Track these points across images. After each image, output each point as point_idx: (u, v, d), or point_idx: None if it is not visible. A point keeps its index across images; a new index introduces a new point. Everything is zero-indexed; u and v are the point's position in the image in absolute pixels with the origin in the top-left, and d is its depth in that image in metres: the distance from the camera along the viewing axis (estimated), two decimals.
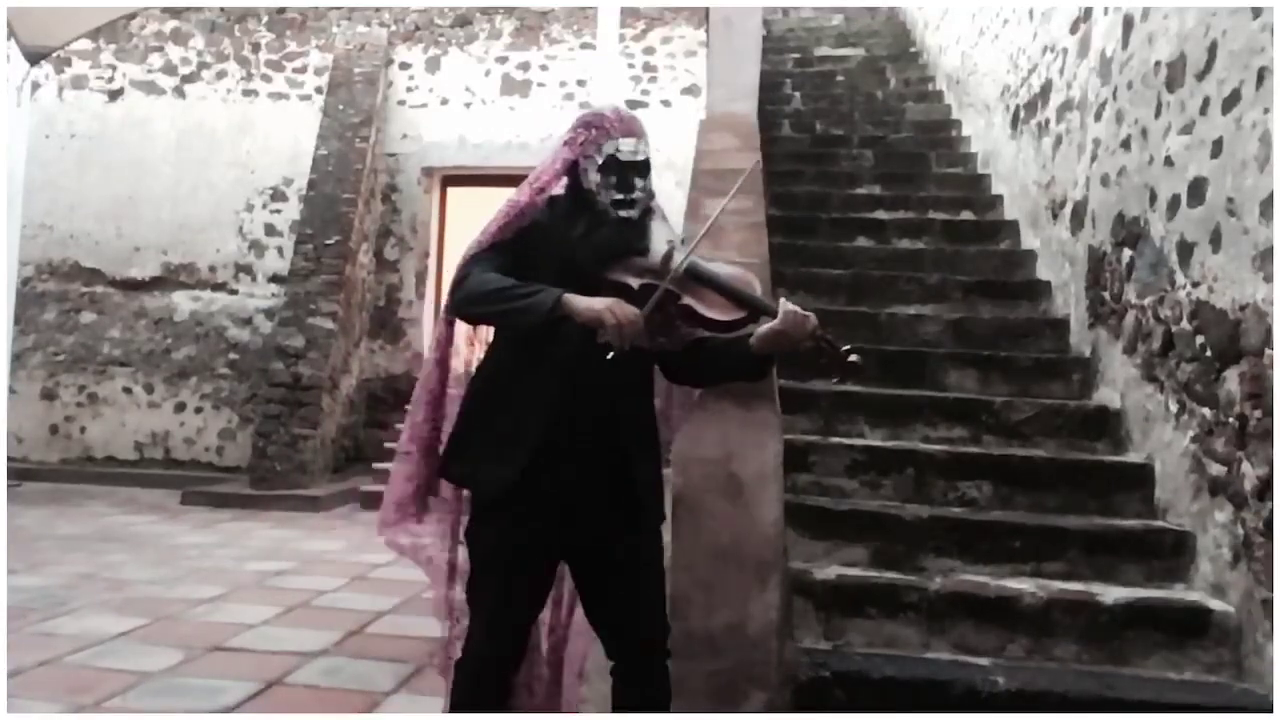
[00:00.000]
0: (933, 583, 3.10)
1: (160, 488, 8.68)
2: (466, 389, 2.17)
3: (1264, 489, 2.80)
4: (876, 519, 3.36)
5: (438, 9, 10.22)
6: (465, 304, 2.01)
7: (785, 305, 1.96)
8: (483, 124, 10.03)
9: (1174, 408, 3.40)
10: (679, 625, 2.36)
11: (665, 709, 2.07)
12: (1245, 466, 2.91)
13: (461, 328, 2.23)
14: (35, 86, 8.77)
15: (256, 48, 10.27)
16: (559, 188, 2.11)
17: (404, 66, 10.20)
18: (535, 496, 1.98)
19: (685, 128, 8.05)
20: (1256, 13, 2.94)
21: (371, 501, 8.09)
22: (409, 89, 10.18)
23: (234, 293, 9.97)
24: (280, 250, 9.89)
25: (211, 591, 4.74)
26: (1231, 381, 3.00)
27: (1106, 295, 4.04)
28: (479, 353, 2.26)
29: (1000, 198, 5.61)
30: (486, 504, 2.04)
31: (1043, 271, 4.87)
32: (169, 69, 10.27)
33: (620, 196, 2.04)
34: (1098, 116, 4.23)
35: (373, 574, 5.37)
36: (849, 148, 6.62)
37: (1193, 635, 2.93)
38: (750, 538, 2.59)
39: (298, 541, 6.34)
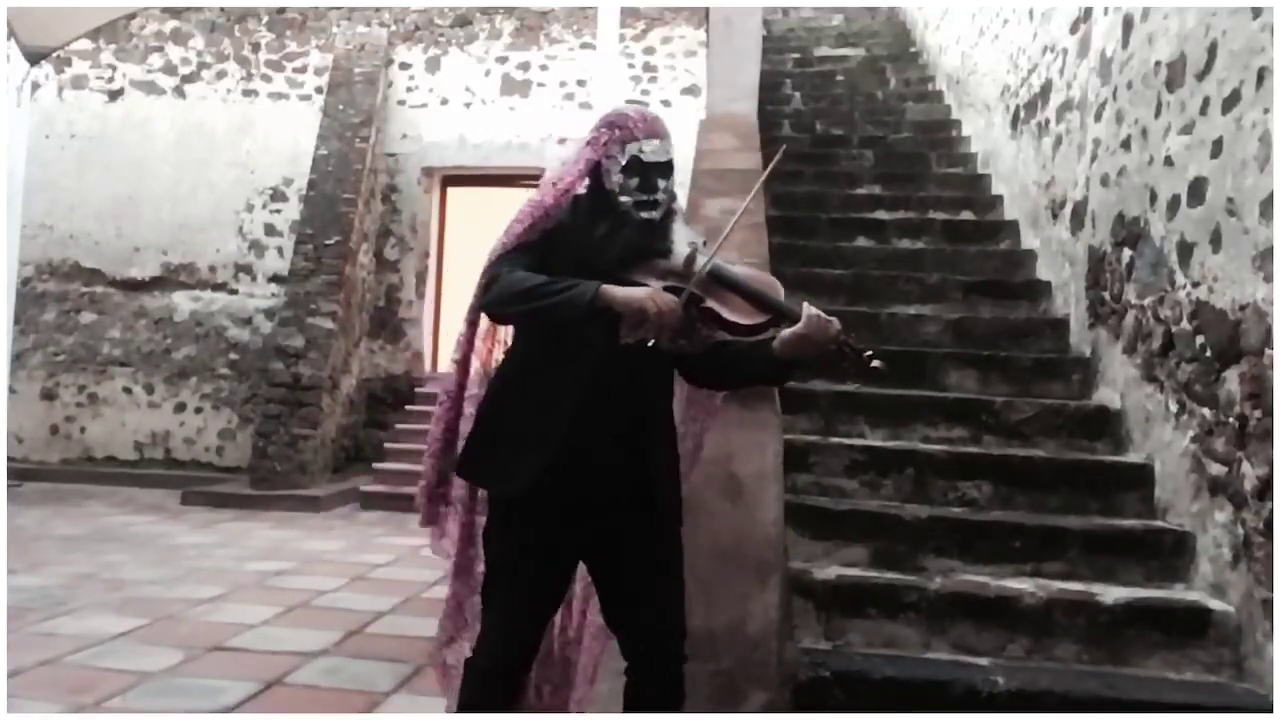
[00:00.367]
0: (933, 583, 3.10)
1: (160, 488, 8.69)
2: (486, 390, 2.16)
3: (1264, 489, 2.80)
4: (876, 519, 3.36)
5: (438, 9, 10.23)
6: (500, 303, 1.98)
7: (809, 310, 1.96)
8: (483, 124, 10.04)
9: (1174, 408, 3.40)
10: None
11: (677, 712, 2.07)
12: (1245, 466, 2.91)
13: (479, 329, 2.23)
14: (35, 86, 8.77)
15: (256, 48, 10.27)
16: (580, 188, 2.10)
17: (404, 66, 10.20)
18: (556, 497, 1.98)
19: (685, 128, 8.05)
20: (1256, 13, 2.94)
21: (371, 501, 8.10)
22: (409, 89, 10.19)
23: (234, 293, 9.97)
24: (280, 250, 9.89)
25: (211, 591, 4.74)
26: (1231, 381, 3.00)
27: (1106, 295, 4.04)
28: (497, 354, 2.25)
29: (1000, 198, 5.61)
30: (506, 504, 2.04)
31: (1043, 271, 4.87)
32: (169, 69, 10.27)
33: (643, 197, 2.03)
34: (1098, 116, 4.23)
35: (373, 574, 5.37)
36: (849, 148, 6.62)
37: (1193, 635, 2.93)
38: (750, 538, 2.59)
39: (298, 541, 6.34)
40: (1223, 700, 2.72)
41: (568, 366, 1.99)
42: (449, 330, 10.21)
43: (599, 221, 2.04)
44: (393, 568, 5.59)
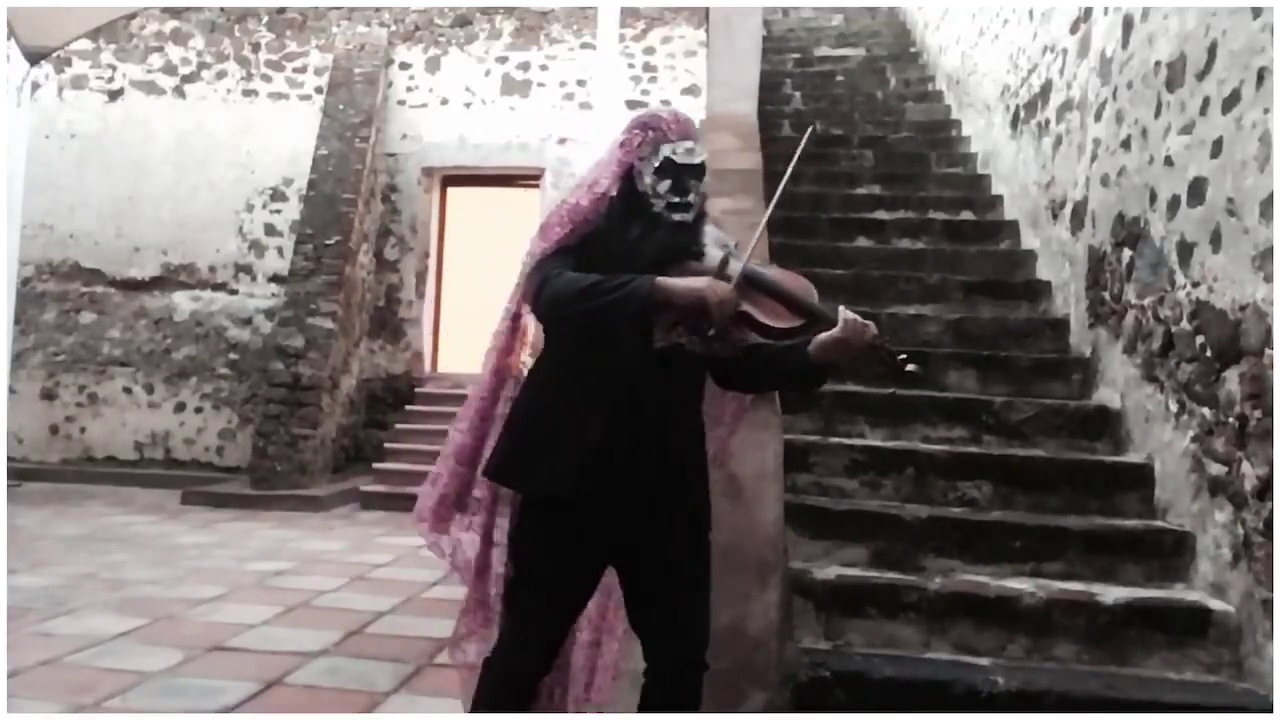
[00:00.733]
0: (933, 583, 3.10)
1: (160, 488, 8.69)
2: (518, 393, 2.16)
3: (1264, 489, 2.80)
4: (876, 519, 3.36)
5: (438, 9, 10.23)
6: (558, 304, 1.95)
7: (845, 314, 1.96)
8: (483, 124, 10.04)
9: (1174, 408, 3.40)
10: None
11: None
12: (1245, 466, 2.91)
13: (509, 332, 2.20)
14: (35, 86, 8.77)
15: (256, 48, 10.27)
16: (613, 191, 2.09)
17: (404, 66, 10.20)
18: (587, 500, 1.97)
19: None
20: (1256, 13, 2.94)
21: (371, 501, 8.10)
22: (409, 89, 10.19)
23: (234, 293, 9.97)
24: (280, 250, 9.89)
25: (211, 591, 4.74)
26: (1231, 381, 3.00)
27: (1106, 295, 4.04)
28: (524, 358, 2.24)
29: (1000, 198, 5.61)
30: (537, 506, 2.03)
31: (1043, 271, 4.87)
32: (169, 69, 10.27)
33: (675, 199, 2.02)
34: (1098, 116, 4.23)
35: (373, 574, 5.37)
36: (849, 148, 6.62)
37: (1193, 635, 2.93)
38: (750, 538, 2.59)
39: (298, 541, 6.34)
40: (1223, 700, 2.72)
41: (601, 369, 1.99)
42: (449, 330, 10.23)
43: (632, 224, 2.04)
44: (393, 568, 5.59)
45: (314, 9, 10.24)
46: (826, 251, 5.14)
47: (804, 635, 3.03)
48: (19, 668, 3.38)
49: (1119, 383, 3.87)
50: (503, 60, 10.14)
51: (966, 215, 5.60)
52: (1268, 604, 2.75)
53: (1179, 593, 3.12)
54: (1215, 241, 3.13)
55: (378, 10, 10.23)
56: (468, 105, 10.11)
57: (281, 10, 10.26)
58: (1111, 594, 3.04)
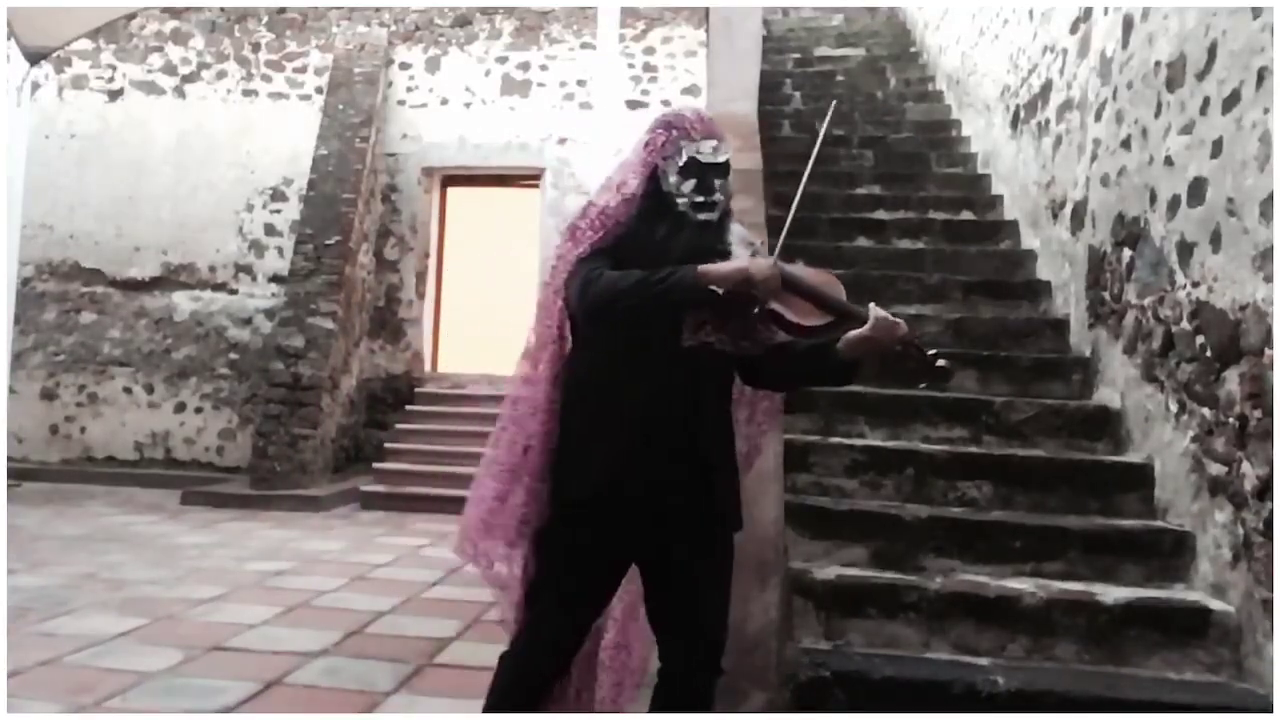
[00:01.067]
0: (933, 583, 3.10)
1: (160, 488, 8.68)
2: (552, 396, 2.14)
3: (1264, 489, 2.80)
4: (876, 519, 3.36)
5: (438, 9, 10.22)
6: (605, 304, 1.94)
7: (876, 311, 1.97)
8: (483, 124, 10.04)
9: (1174, 408, 3.40)
10: None
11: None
12: (1245, 466, 2.91)
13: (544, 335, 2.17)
14: (35, 86, 8.77)
15: (256, 48, 10.27)
16: (639, 191, 2.09)
17: (404, 66, 10.20)
18: (618, 501, 1.98)
19: None
20: (1256, 13, 2.94)
21: (371, 501, 8.10)
22: (409, 89, 10.18)
23: (234, 293, 9.97)
24: (280, 250, 9.89)
25: (211, 591, 4.74)
26: (1231, 381, 3.00)
27: (1106, 295, 4.04)
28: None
29: (1000, 198, 5.61)
30: (568, 507, 2.03)
31: (1043, 271, 4.87)
32: (169, 69, 10.27)
33: (700, 199, 2.03)
34: (1098, 116, 4.23)
35: (373, 574, 5.37)
36: (849, 148, 6.62)
37: (1193, 635, 2.93)
38: (750, 538, 2.58)
39: (298, 541, 6.34)
40: (1223, 700, 2.72)
41: (631, 371, 1.99)
42: (449, 330, 10.22)
43: (657, 224, 2.04)
44: (393, 568, 5.59)
45: (314, 9, 10.23)
46: (826, 251, 5.13)
47: (804, 635, 3.03)
48: (19, 668, 3.38)
49: (1119, 383, 3.87)
50: (503, 60, 10.14)
51: (966, 215, 5.60)
52: (1268, 604, 2.75)
53: (1179, 593, 3.12)
54: (1215, 241, 3.13)
55: (378, 10, 10.22)
56: (468, 105, 10.11)
57: (281, 10, 10.26)
58: (1111, 594, 3.04)
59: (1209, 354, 3.14)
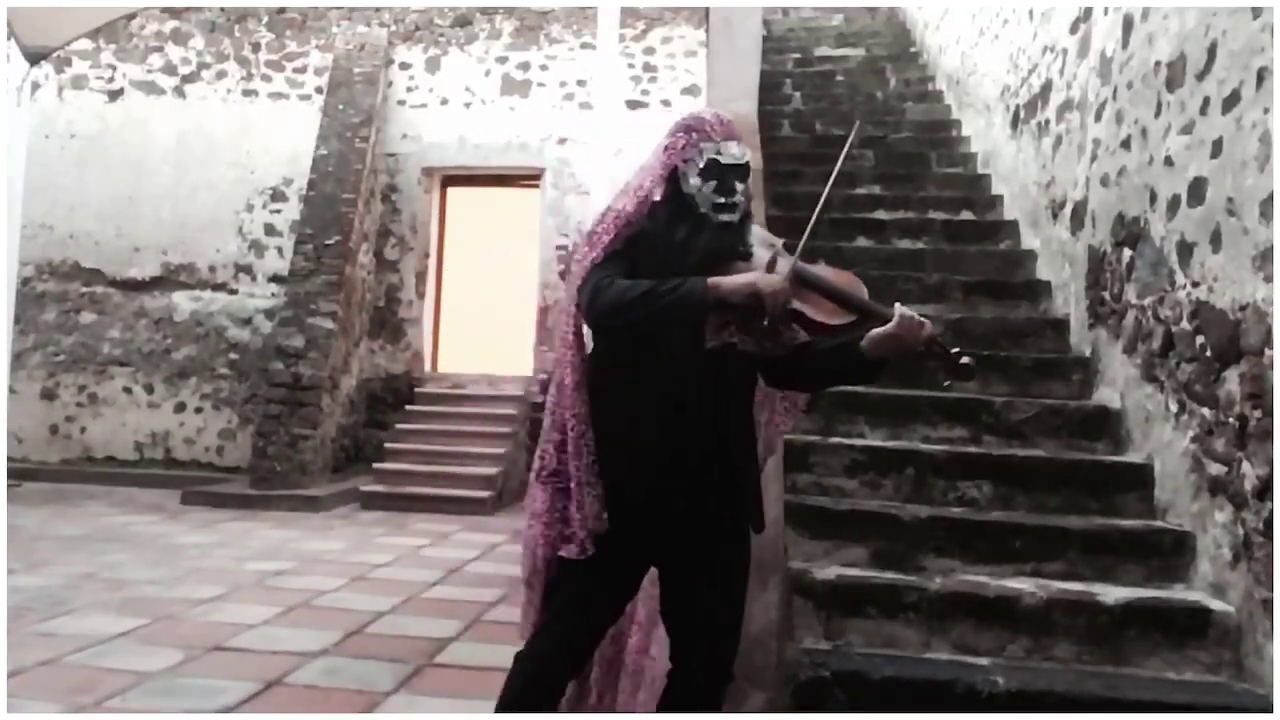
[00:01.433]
0: (933, 583, 3.10)
1: (160, 488, 8.69)
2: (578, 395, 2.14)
3: (1264, 489, 2.80)
4: (876, 519, 3.36)
5: (438, 9, 10.22)
6: (612, 314, 1.94)
7: (901, 310, 1.97)
8: (483, 124, 10.04)
9: (1174, 408, 3.40)
10: None
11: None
12: (1245, 466, 2.91)
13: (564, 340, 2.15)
14: (35, 86, 8.77)
15: (256, 48, 10.27)
16: (657, 193, 2.09)
17: (404, 66, 10.20)
18: (640, 504, 1.98)
19: None
20: (1256, 13, 2.94)
21: (371, 501, 8.10)
22: (409, 89, 10.18)
23: (234, 293, 9.97)
24: (280, 250, 9.89)
25: (211, 591, 4.74)
26: (1231, 381, 3.00)
27: (1106, 295, 4.04)
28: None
29: (1000, 198, 5.61)
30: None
31: (1043, 271, 4.87)
32: (169, 69, 10.27)
33: (721, 200, 2.03)
34: (1098, 116, 4.22)
35: (373, 574, 5.37)
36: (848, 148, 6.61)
37: (1193, 635, 2.93)
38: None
39: (298, 541, 6.34)
40: (1223, 700, 2.72)
41: (654, 371, 1.99)
42: (449, 330, 10.23)
43: (677, 226, 2.04)
44: (393, 568, 5.59)
45: (314, 9, 10.24)
46: (826, 252, 5.13)
47: (804, 635, 3.03)
48: (19, 668, 3.38)
49: (1119, 383, 3.87)
50: (503, 60, 10.14)
51: (966, 215, 5.60)
52: (1268, 604, 2.75)
53: (1179, 593, 3.12)
54: (1215, 241, 3.13)
55: (378, 10, 10.22)
56: (468, 105, 10.11)
57: (281, 10, 10.26)
58: (1111, 594, 3.04)
59: (1209, 354, 3.14)
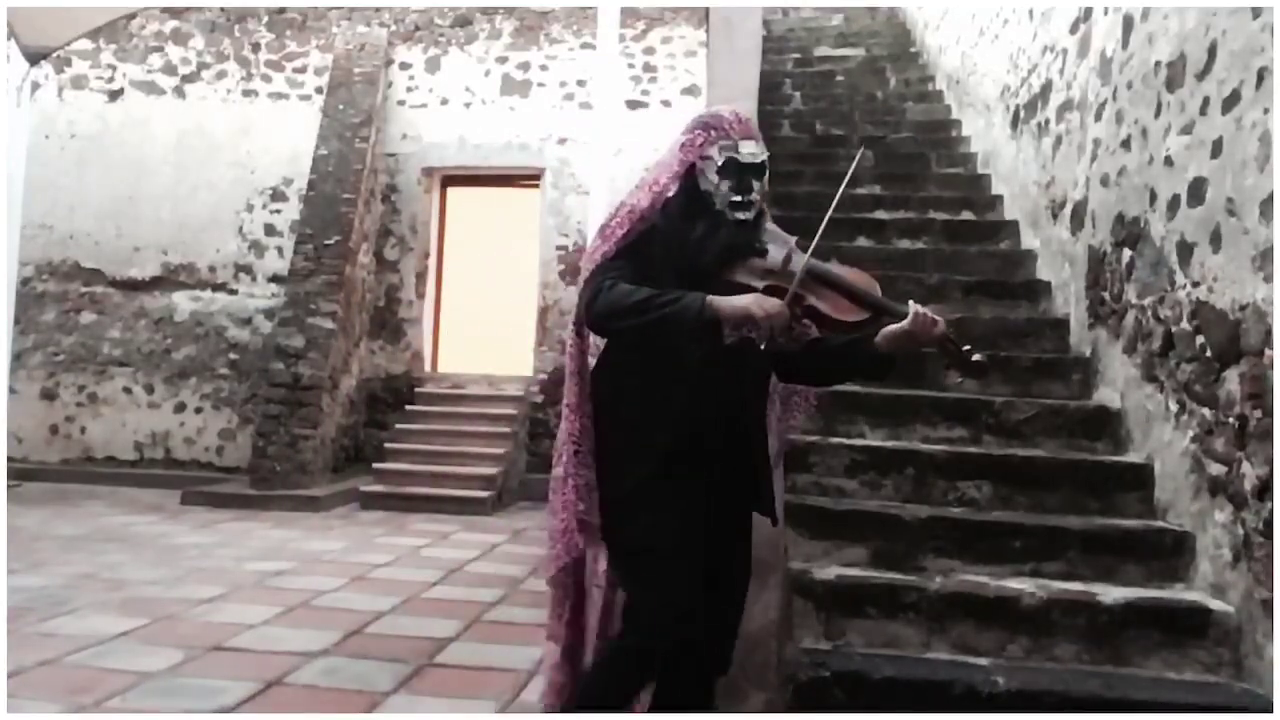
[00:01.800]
0: (933, 583, 3.10)
1: (160, 488, 8.69)
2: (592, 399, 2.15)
3: (1264, 489, 2.80)
4: (876, 519, 3.36)
5: (438, 9, 10.22)
6: (608, 318, 1.96)
7: (915, 307, 1.99)
8: (483, 124, 10.04)
9: (1174, 408, 3.40)
10: None
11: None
12: (1245, 466, 2.91)
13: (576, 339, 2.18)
14: (35, 86, 8.76)
15: (256, 48, 10.27)
16: (671, 190, 2.10)
17: (404, 66, 10.20)
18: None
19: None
20: (1256, 13, 2.94)
21: (371, 501, 8.10)
22: (409, 89, 10.18)
23: (234, 293, 9.97)
24: (280, 250, 9.89)
25: (211, 591, 4.74)
26: (1231, 381, 3.00)
27: (1106, 295, 4.04)
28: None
29: (1000, 198, 5.61)
30: (615, 504, 2.05)
31: (1043, 271, 4.87)
32: (169, 69, 10.27)
33: (738, 198, 2.05)
34: (1098, 116, 4.22)
35: (373, 574, 5.37)
36: (849, 148, 6.62)
37: (1193, 635, 2.93)
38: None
39: (298, 541, 6.34)
40: (1223, 700, 2.72)
41: (671, 374, 2.00)
42: (449, 330, 10.22)
43: (694, 223, 2.05)
44: (393, 568, 5.59)
45: (314, 9, 10.23)
46: (826, 252, 5.10)
47: (804, 635, 3.03)
48: (19, 668, 3.38)
49: (1119, 383, 3.87)
50: (503, 60, 10.14)
51: (966, 215, 5.59)
52: (1268, 604, 2.75)
53: (1179, 593, 3.12)
54: (1215, 241, 3.13)
55: (378, 10, 10.22)
56: (468, 105, 10.11)
57: (281, 10, 10.26)
58: (1111, 594, 3.04)
59: (1209, 354, 3.14)
